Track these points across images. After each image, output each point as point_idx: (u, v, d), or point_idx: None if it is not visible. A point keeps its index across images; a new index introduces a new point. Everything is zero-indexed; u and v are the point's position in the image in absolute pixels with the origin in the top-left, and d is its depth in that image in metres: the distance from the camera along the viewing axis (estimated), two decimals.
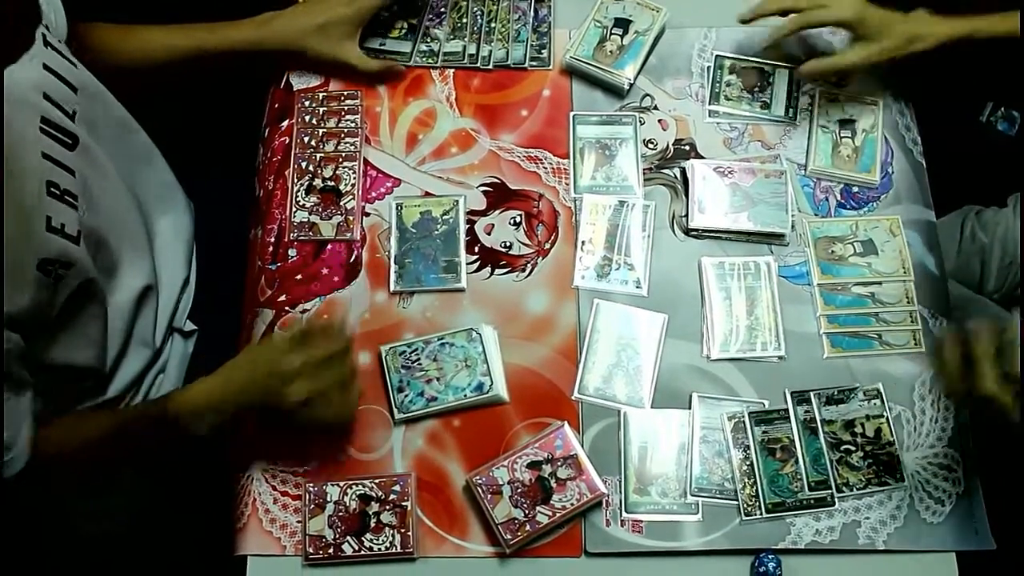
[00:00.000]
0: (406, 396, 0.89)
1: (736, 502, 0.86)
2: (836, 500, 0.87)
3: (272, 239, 0.97)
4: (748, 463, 0.87)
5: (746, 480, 0.87)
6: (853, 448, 0.88)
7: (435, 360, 0.90)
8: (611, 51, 1.04)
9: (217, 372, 0.81)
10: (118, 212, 0.87)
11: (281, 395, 0.79)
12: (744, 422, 0.89)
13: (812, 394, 0.90)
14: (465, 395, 0.89)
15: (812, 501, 0.86)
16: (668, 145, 1.02)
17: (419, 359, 0.90)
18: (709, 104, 1.03)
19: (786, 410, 0.89)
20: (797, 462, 0.88)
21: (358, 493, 0.86)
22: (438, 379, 0.90)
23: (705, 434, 0.88)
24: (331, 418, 0.83)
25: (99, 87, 0.86)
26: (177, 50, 0.96)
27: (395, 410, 0.89)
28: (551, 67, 1.06)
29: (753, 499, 0.86)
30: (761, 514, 0.86)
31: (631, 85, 1.03)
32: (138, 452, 0.88)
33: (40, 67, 0.75)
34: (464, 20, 1.08)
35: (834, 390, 0.90)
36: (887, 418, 0.89)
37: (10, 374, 0.71)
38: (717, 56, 1.05)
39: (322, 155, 1.01)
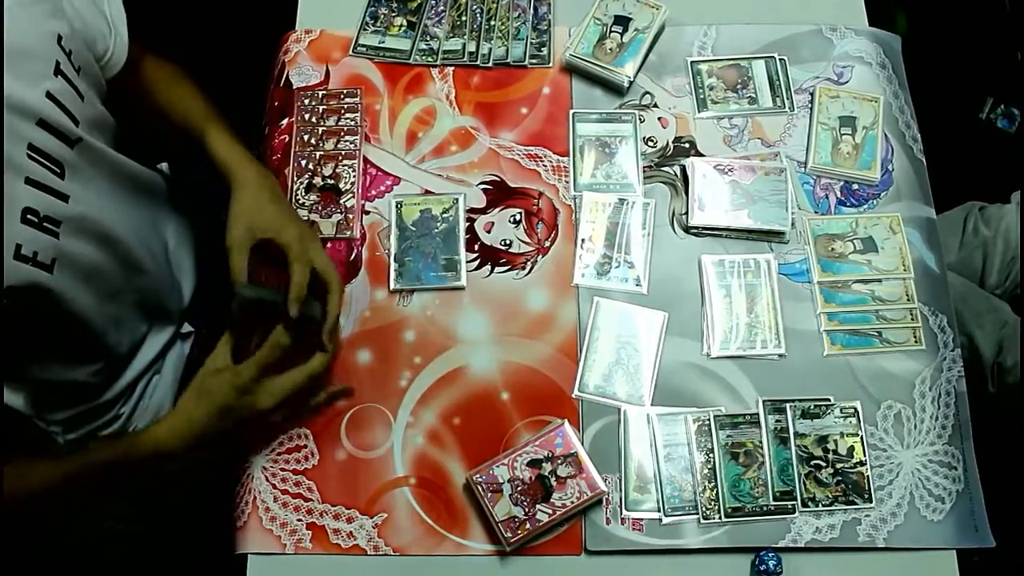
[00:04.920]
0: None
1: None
2: (797, 510, 0.86)
3: None
4: (710, 466, 0.87)
5: (706, 483, 0.86)
6: (823, 464, 0.87)
7: None
8: (611, 49, 1.04)
9: (176, 411, 0.81)
10: (128, 224, 0.86)
11: (250, 409, 0.81)
12: (709, 425, 0.88)
13: (788, 405, 0.89)
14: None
15: (772, 508, 0.86)
16: (668, 143, 1.02)
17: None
18: (698, 112, 1.03)
19: (755, 415, 0.89)
20: (761, 468, 0.87)
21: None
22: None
23: (669, 452, 0.88)
24: (308, 405, 0.87)
25: (105, 117, 0.84)
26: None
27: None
28: (551, 65, 1.06)
29: (712, 503, 0.86)
30: (720, 518, 0.85)
31: (631, 83, 1.03)
32: (100, 491, 0.88)
33: (43, 95, 0.71)
34: (464, 18, 1.08)
35: (810, 403, 0.89)
36: (862, 437, 0.88)
37: None
38: (692, 63, 1.05)
39: (322, 153, 1.01)
